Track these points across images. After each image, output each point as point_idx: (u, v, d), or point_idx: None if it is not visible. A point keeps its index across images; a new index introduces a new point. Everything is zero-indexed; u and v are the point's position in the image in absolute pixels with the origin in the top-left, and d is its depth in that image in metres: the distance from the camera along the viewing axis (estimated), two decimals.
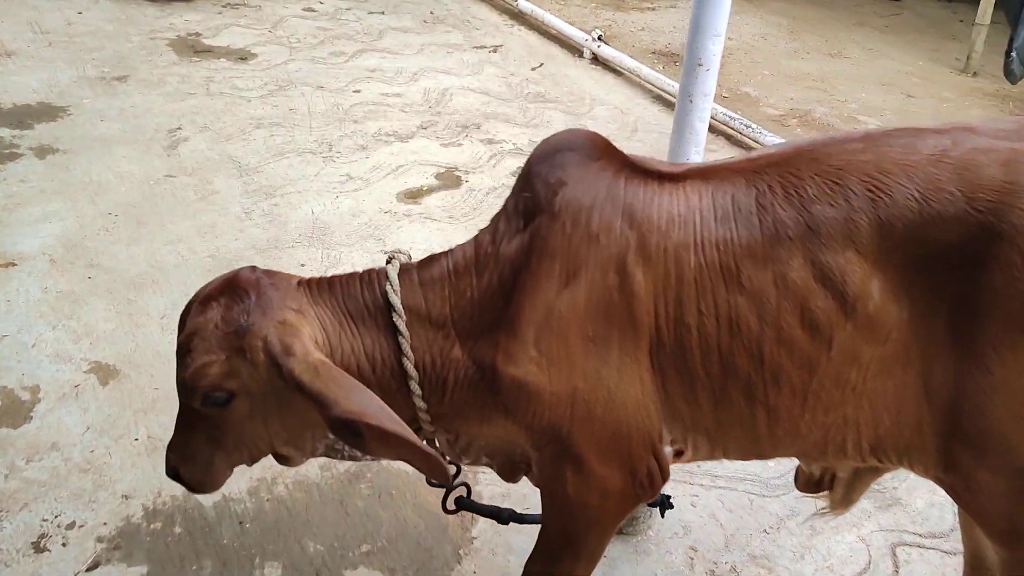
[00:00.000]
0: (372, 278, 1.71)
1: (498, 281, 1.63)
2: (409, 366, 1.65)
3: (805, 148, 1.55)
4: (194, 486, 1.76)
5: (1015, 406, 1.41)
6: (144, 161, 4.69)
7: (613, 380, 1.58)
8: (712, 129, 5.39)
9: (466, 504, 1.99)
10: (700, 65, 1.89)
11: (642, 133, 5.36)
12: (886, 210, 1.44)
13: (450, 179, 4.70)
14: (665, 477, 1.72)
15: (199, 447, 1.70)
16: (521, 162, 5.05)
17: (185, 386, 1.62)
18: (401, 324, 1.64)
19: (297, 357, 1.53)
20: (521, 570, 2.21)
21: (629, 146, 5.29)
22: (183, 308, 1.72)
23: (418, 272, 1.70)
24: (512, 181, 4.82)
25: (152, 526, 2.62)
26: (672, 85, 5.66)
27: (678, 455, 1.74)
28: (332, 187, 4.53)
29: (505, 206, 1.71)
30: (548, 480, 1.72)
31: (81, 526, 2.61)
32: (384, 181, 4.61)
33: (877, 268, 1.45)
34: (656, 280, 1.56)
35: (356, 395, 1.48)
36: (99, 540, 2.57)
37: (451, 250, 1.72)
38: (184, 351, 1.60)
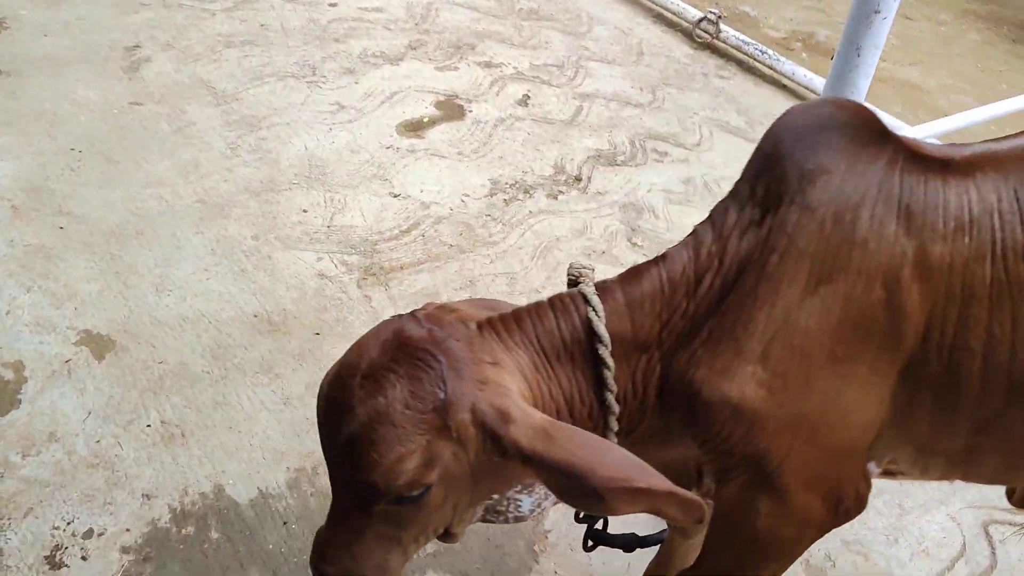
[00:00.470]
0: (567, 305, 1.38)
1: (720, 287, 1.33)
2: (611, 400, 1.35)
3: None
4: None
5: None
6: (103, 85, 4.12)
7: (851, 402, 1.32)
8: (723, 54, 5.07)
9: (604, 538, 1.72)
10: (877, 12, 1.58)
11: (649, 57, 4.98)
12: None
13: (451, 108, 4.28)
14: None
15: (370, 553, 1.35)
16: (526, 89, 4.68)
17: (371, 488, 1.26)
18: (606, 355, 1.33)
19: (518, 423, 1.22)
20: (603, 567, 1.98)
21: (637, 71, 4.96)
22: (326, 386, 1.33)
23: (623, 289, 1.38)
24: (519, 111, 4.51)
25: (183, 531, 2.30)
26: (676, 4, 5.27)
27: (889, 474, 1.51)
28: (323, 118, 4.07)
29: (735, 193, 1.39)
30: (732, 510, 1.46)
31: (100, 534, 2.27)
32: (380, 111, 4.17)
33: None
34: (936, 298, 1.28)
35: (607, 454, 1.19)
36: (124, 550, 2.24)
37: (664, 256, 1.40)
38: (363, 445, 1.23)
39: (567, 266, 1.48)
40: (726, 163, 4.11)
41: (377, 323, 1.38)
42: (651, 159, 4.07)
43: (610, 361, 1.33)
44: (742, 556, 1.50)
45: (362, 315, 3.00)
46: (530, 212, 3.62)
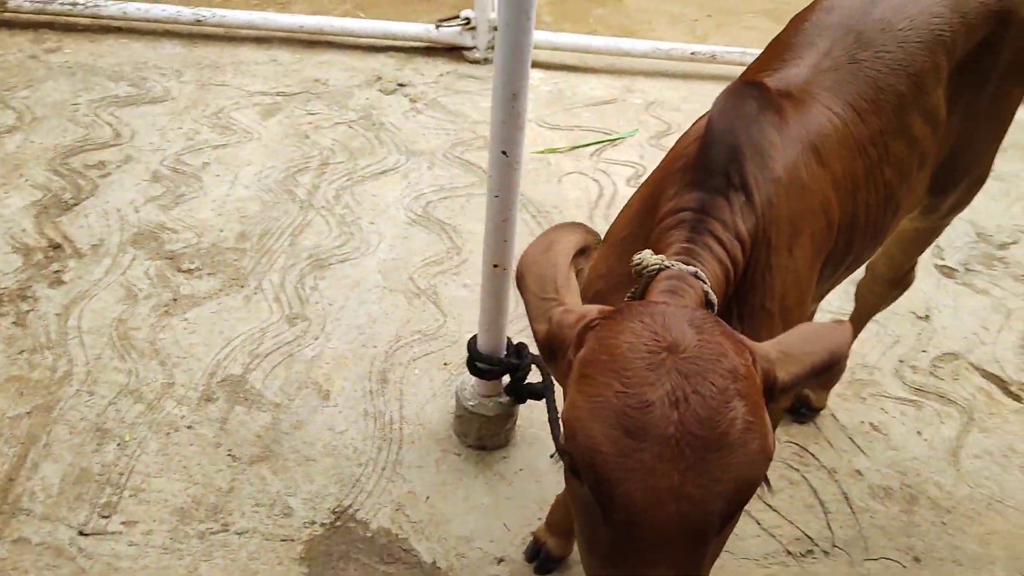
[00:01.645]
0: (691, 283, 1.35)
1: (737, 269, 1.47)
2: None
3: (859, 24, 1.74)
4: None
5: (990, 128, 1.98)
6: None
7: (809, 304, 1.68)
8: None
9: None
10: None
11: None
12: (951, 42, 1.76)
13: None
14: None
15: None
16: None
17: (754, 483, 1.07)
18: None
19: (775, 361, 1.19)
20: None
21: None
22: (651, 403, 1.03)
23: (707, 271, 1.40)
24: None
25: None
26: None
27: None
28: None
29: (711, 185, 1.46)
30: None
31: None
32: None
33: (946, 87, 1.80)
34: (843, 202, 1.65)
35: (822, 333, 1.26)
36: None
37: (702, 243, 1.42)
38: (748, 432, 1.04)
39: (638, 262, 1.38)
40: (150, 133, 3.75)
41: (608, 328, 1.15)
42: (96, 178, 3.51)
43: None
44: None
45: None
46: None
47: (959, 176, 2.08)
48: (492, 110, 1.97)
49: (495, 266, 2.23)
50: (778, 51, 1.82)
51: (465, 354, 2.49)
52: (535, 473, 2.60)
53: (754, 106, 1.53)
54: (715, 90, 1.61)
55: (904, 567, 2.46)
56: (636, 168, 3.82)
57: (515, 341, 2.51)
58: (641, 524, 1.01)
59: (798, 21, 1.86)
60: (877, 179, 1.78)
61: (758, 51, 1.96)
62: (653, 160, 2.97)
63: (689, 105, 4.27)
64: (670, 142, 3.86)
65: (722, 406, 1.03)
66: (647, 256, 1.38)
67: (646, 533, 1.02)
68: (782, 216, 1.53)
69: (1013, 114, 2.09)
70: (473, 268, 3.23)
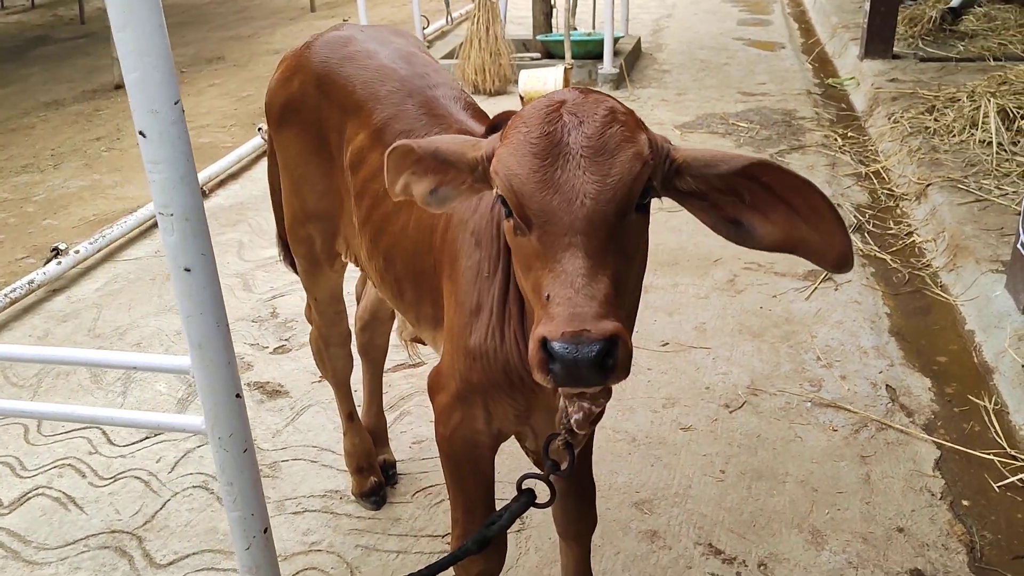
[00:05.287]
0: None
1: None
2: None
3: (419, 90, 2.04)
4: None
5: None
6: None
7: None
8: None
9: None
10: None
11: None
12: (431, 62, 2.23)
13: None
14: None
15: (632, 280, 1.46)
16: None
17: (631, 178, 1.33)
18: None
19: None
20: None
21: None
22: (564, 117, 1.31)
23: None
24: None
25: None
26: None
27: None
28: None
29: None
30: None
31: None
32: None
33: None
34: None
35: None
36: None
37: None
38: (624, 139, 1.33)
39: None
40: None
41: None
42: None
43: None
44: None
45: None
46: None
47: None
48: None
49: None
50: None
51: None
52: None
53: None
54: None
55: None
56: None
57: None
58: (556, 221, 1.26)
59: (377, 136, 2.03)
60: None
61: None
62: None
63: None
64: None
65: (603, 127, 1.29)
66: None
67: (561, 227, 1.26)
68: None
69: None
70: None
